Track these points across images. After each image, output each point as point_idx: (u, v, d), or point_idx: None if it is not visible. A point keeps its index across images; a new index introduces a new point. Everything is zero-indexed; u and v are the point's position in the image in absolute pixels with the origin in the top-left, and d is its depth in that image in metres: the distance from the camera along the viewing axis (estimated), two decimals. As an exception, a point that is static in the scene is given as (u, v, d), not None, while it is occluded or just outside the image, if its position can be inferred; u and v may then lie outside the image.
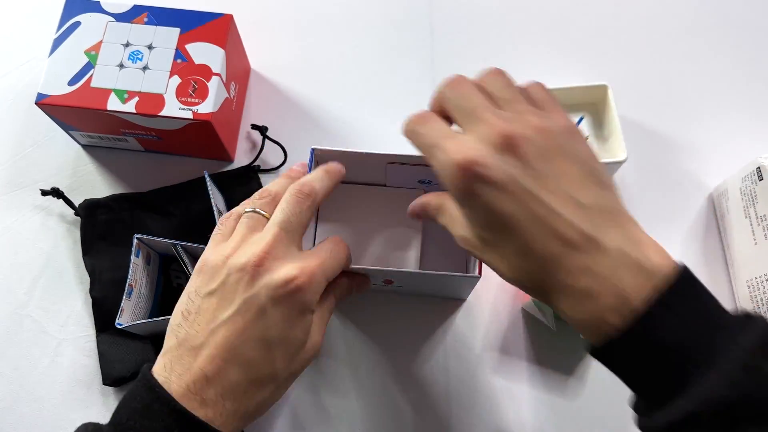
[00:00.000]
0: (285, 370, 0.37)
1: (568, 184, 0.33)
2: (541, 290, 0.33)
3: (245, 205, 0.41)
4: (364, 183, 0.55)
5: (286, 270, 0.36)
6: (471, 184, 0.32)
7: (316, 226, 0.54)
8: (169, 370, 0.35)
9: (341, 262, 0.41)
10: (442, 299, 0.56)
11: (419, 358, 0.54)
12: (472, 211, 0.34)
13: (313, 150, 0.48)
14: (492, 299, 0.56)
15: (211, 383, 0.35)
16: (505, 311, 0.55)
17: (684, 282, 0.31)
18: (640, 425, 0.32)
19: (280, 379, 0.37)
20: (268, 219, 0.39)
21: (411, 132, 0.36)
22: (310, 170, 0.49)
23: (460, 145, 0.32)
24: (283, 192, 0.41)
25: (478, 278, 0.46)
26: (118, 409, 0.35)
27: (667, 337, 0.30)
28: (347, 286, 0.45)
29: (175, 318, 0.38)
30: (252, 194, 0.58)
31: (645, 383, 0.32)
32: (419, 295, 0.55)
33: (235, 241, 0.38)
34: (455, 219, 0.36)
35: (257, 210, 0.40)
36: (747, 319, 0.31)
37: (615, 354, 0.32)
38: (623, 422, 0.52)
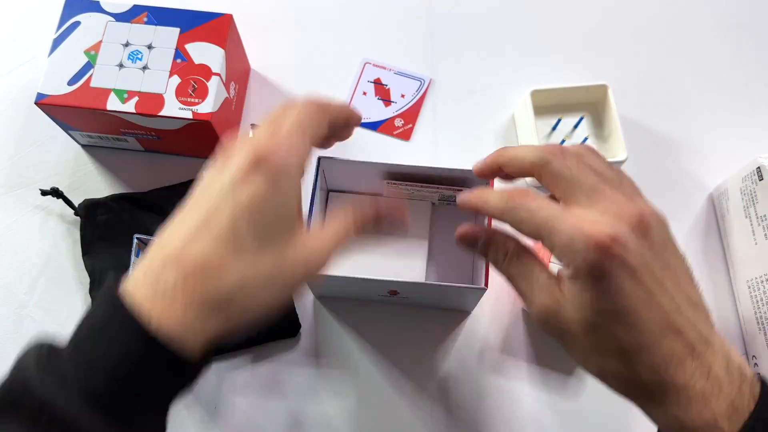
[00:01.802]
0: (252, 255, 0.31)
1: (683, 278, 0.32)
2: (645, 391, 0.31)
3: None
4: (369, 193, 0.55)
5: (247, 144, 0.33)
6: (607, 263, 0.29)
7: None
8: (138, 267, 0.32)
9: (321, 111, 0.36)
10: (446, 311, 0.55)
11: (419, 361, 0.54)
12: (596, 293, 0.30)
13: (319, 159, 0.48)
14: (492, 300, 0.56)
15: (170, 265, 0.30)
16: (506, 312, 0.55)
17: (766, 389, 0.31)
18: None
19: (248, 267, 0.31)
20: None
21: (513, 209, 0.33)
22: (315, 177, 0.49)
23: (593, 222, 0.30)
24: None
25: (484, 290, 0.45)
26: (80, 323, 0.31)
27: None
28: (368, 214, 0.37)
29: (165, 228, 0.34)
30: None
31: None
32: (424, 307, 0.55)
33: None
34: (543, 289, 0.33)
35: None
36: None
37: None
38: (624, 423, 0.52)
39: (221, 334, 0.31)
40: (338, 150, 0.61)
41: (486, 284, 0.45)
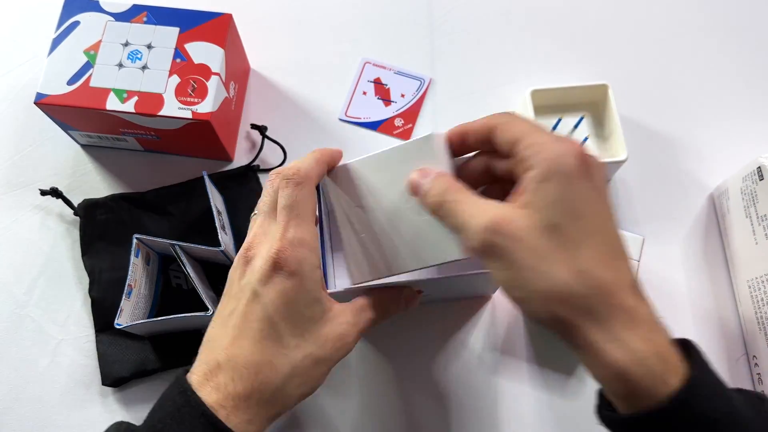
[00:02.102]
0: (296, 346, 0.36)
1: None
2: (590, 307, 0.31)
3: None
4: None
5: (263, 249, 0.37)
6: (584, 167, 0.32)
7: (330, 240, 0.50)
8: (196, 369, 0.36)
9: (305, 187, 0.38)
10: (445, 306, 0.55)
11: (419, 360, 0.54)
12: (567, 191, 0.32)
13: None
14: (492, 300, 0.56)
15: (222, 368, 0.35)
16: (505, 311, 0.55)
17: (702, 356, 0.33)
18: None
19: (294, 356, 0.36)
20: None
21: (499, 121, 0.36)
22: (318, 189, 0.47)
23: (564, 141, 0.34)
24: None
25: None
26: (153, 411, 0.36)
27: (707, 410, 0.30)
28: (389, 301, 0.42)
29: (217, 312, 0.39)
30: (251, 194, 0.59)
31: None
32: (445, 301, 0.55)
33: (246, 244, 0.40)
34: (485, 206, 0.34)
35: (255, 212, 0.41)
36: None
37: (655, 420, 0.30)
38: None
39: (280, 414, 0.36)
40: (335, 141, 0.61)
41: None
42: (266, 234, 0.38)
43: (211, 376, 0.35)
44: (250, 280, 0.36)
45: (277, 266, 0.36)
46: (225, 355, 0.35)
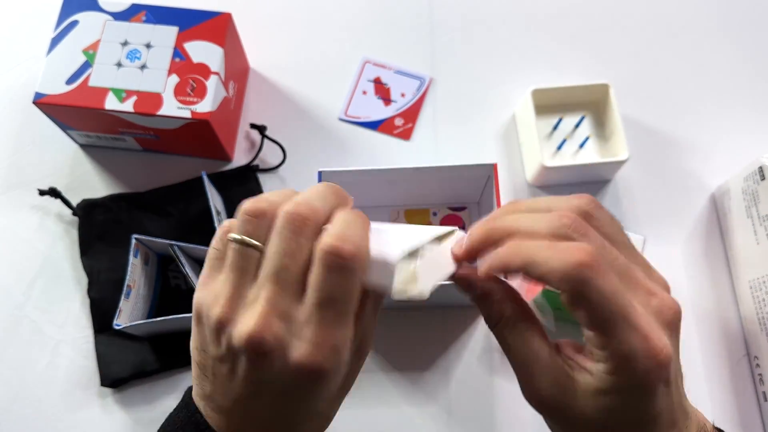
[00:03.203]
0: (313, 418, 0.32)
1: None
2: None
3: (234, 225, 0.31)
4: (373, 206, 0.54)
5: (295, 358, 0.28)
6: (656, 379, 0.28)
7: None
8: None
9: (357, 278, 0.29)
10: (445, 311, 0.55)
11: (419, 361, 0.54)
12: (634, 397, 0.29)
13: (320, 173, 0.48)
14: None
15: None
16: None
17: None
18: None
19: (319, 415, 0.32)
20: (260, 252, 0.30)
21: (584, 281, 0.27)
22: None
23: (655, 333, 0.28)
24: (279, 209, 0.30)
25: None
26: (162, 428, 0.34)
27: None
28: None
29: (194, 368, 0.32)
30: (251, 194, 0.58)
31: None
32: (443, 307, 0.55)
33: (227, 293, 0.30)
34: (545, 372, 0.31)
35: (246, 240, 0.30)
36: None
37: None
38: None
39: None
40: (338, 157, 0.61)
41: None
42: (287, 321, 0.28)
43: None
44: (275, 379, 0.29)
45: (314, 377, 0.29)
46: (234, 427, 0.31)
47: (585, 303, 0.27)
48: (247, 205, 0.30)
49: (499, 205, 0.50)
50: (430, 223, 0.58)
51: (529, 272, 0.28)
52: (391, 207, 0.58)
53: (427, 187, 0.55)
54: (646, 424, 0.29)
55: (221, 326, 0.29)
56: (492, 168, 0.51)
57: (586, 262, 0.27)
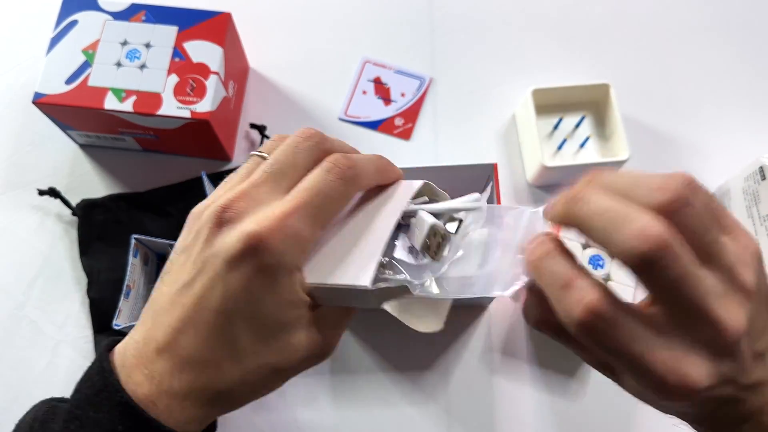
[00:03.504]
0: (253, 352, 0.29)
1: None
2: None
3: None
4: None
5: (245, 225, 0.28)
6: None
7: None
8: (130, 342, 0.31)
9: (337, 185, 0.30)
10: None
11: (419, 361, 0.54)
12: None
13: None
14: (493, 301, 0.55)
15: (162, 354, 0.29)
16: (506, 313, 0.55)
17: None
18: None
19: (248, 363, 0.30)
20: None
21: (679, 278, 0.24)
22: None
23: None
24: None
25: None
26: (76, 390, 0.30)
27: None
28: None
29: (161, 276, 0.32)
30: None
31: None
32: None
33: (223, 188, 0.32)
34: None
35: (259, 152, 0.32)
36: None
37: None
38: (625, 424, 0.52)
39: (219, 415, 0.31)
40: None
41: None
42: (259, 201, 0.29)
43: (146, 360, 0.29)
44: (218, 253, 0.28)
45: (253, 252, 0.28)
46: (167, 340, 0.29)
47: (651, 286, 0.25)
48: (274, 135, 0.34)
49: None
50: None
51: (594, 236, 0.25)
52: None
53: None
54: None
55: (202, 211, 0.31)
56: (492, 168, 0.51)
57: (653, 249, 0.23)
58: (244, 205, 0.29)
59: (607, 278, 0.52)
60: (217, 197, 0.31)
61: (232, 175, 0.33)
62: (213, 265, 0.29)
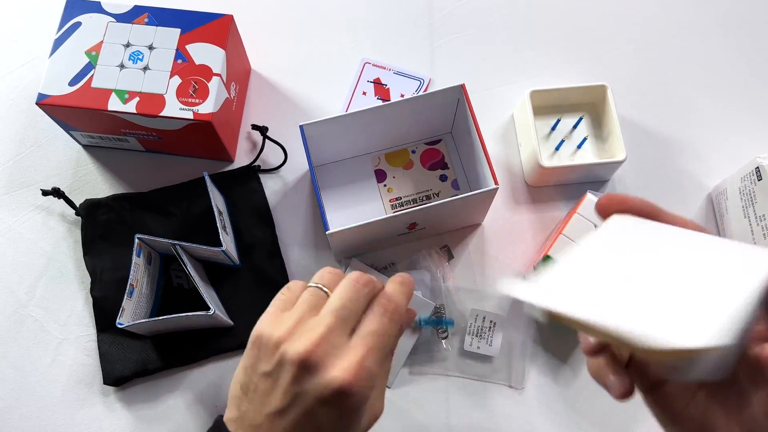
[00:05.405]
0: None
1: None
2: None
3: (298, 283, 0.41)
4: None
5: (332, 374, 0.34)
6: None
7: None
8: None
9: (394, 327, 0.38)
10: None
11: (418, 362, 0.54)
12: None
13: (301, 127, 0.52)
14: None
15: None
16: (506, 312, 0.56)
17: None
18: None
19: None
20: (327, 296, 0.38)
21: None
22: (304, 142, 0.52)
23: None
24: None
25: (497, 189, 0.49)
26: None
27: None
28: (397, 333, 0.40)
29: (235, 389, 0.38)
30: (252, 194, 0.59)
31: None
32: (439, 233, 0.58)
33: (293, 320, 0.37)
34: None
35: (321, 286, 0.39)
36: None
37: None
38: (625, 424, 0.52)
39: None
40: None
41: (496, 182, 0.49)
42: (335, 346, 0.35)
43: None
44: (309, 392, 0.34)
45: (342, 395, 0.34)
46: None
47: None
48: (326, 268, 0.40)
49: (477, 128, 0.52)
50: (411, 162, 0.60)
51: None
52: (371, 154, 0.61)
53: (401, 126, 0.58)
54: None
55: (279, 343, 0.35)
56: (461, 90, 0.52)
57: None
58: (324, 352, 0.35)
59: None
60: (286, 328, 0.36)
61: (298, 304, 0.38)
62: (305, 401, 0.34)
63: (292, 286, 0.40)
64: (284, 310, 0.38)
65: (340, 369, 0.34)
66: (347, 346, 0.36)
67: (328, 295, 0.38)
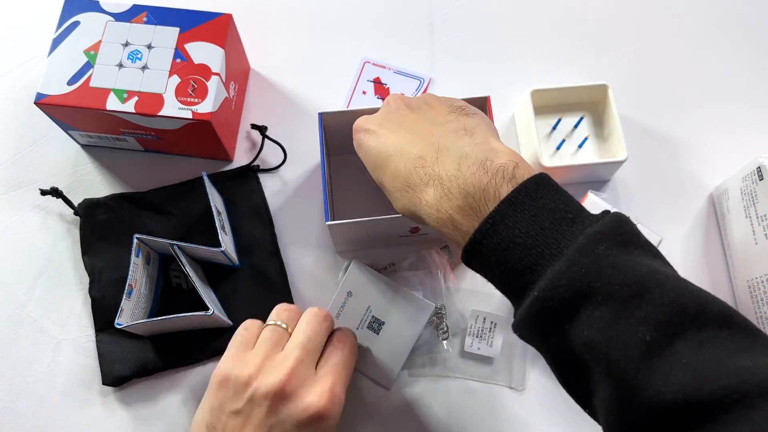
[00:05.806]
0: None
1: (432, 115, 0.40)
2: (414, 211, 0.37)
3: (254, 322, 0.44)
4: None
5: (308, 400, 0.38)
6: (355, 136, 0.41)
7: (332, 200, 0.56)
8: None
9: (353, 359, 0.44)
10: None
11: (418, 361, 0.54)
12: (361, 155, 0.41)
13: (320, 114, 0.53)
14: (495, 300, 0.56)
15: None
16: (507, 312, 0.55)
17: (537, 184, 0.33)
18: (512, 327, 0.34)
19: None
20: (289, 334, 0.42)
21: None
22: (320, 131, 0.52)
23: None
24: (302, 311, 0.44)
25: None
26: None
27: (516, 234, 0.31)
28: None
29: (199, 430, 0.40)
30: (251, 194, 0.59)
31: (506, 282, 0.33)
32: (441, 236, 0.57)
33: (259, 357, 0.40)
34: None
35: (280, 323, 0.42)
36: (603, 214, 0.33)
37: (474, 255, 0.34)
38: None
39: None
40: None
41: None
42: (305, 377, 0.39)
43: None
44: (286, 420, 0.38)
45: (318, 418, 0.38)
46: None
47: None
48: (281, 305, 0.45)
49: None
50: None
51: None
52: None
53: None
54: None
55: (250, 381, 0.38)
56: (485, 101, 0.52)
57: None
58: (297, 382, 0.39)
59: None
60: (254, 365, 0.39)
61: (260, 342, 0.41)
62: (283, 428, 0.38)
63: (249, 326, 0.43)
64: (245, 350, 0.41)
65: (315, 395, 0.38)
66: (317, 376, 0.40)
67: (287, 331, 0.42)
